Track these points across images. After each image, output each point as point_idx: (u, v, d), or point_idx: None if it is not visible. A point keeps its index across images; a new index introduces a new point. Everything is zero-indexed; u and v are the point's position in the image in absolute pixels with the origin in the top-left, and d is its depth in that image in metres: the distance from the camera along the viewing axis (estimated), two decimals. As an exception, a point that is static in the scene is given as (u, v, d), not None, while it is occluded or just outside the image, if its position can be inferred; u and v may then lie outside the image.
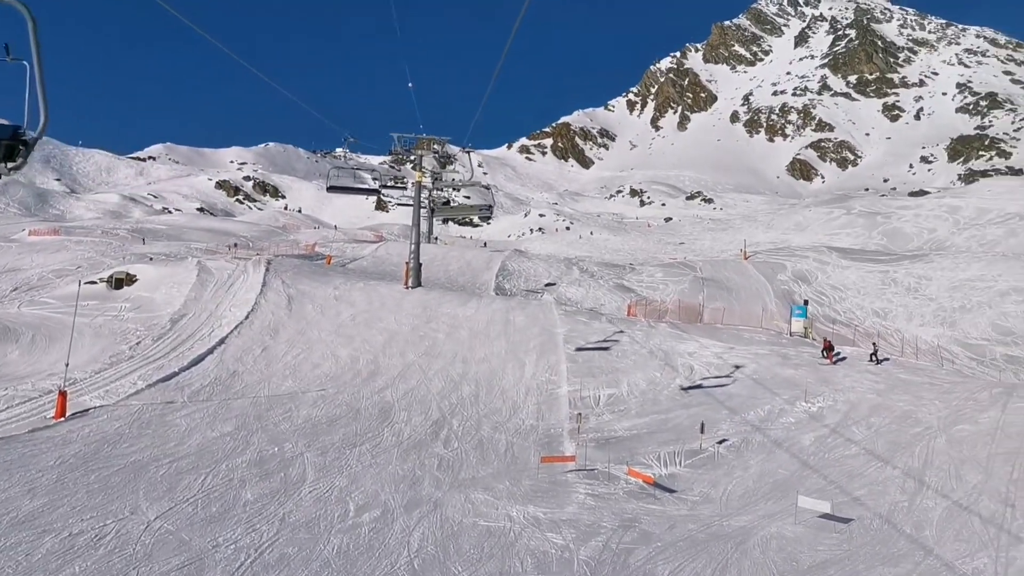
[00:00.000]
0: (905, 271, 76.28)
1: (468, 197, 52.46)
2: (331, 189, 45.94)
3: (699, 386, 31.26)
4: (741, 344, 33.01)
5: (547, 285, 71.42)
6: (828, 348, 32.04)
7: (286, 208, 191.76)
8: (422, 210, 49.51)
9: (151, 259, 56.77)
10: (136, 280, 46.70)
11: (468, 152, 44.09)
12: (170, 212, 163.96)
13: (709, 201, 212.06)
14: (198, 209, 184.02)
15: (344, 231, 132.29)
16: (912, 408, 26.51)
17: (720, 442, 23.70)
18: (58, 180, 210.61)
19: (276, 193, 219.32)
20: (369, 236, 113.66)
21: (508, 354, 33.00)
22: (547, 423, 26.06)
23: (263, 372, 30.66)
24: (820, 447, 23.55)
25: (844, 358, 32.99)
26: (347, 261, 73.02)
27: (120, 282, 46.67)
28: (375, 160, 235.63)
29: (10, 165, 10.86)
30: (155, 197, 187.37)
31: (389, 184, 44.92)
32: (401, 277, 46.11)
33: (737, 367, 30.10)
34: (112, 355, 32.73)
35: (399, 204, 52.59)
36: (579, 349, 32.54)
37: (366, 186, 47.25)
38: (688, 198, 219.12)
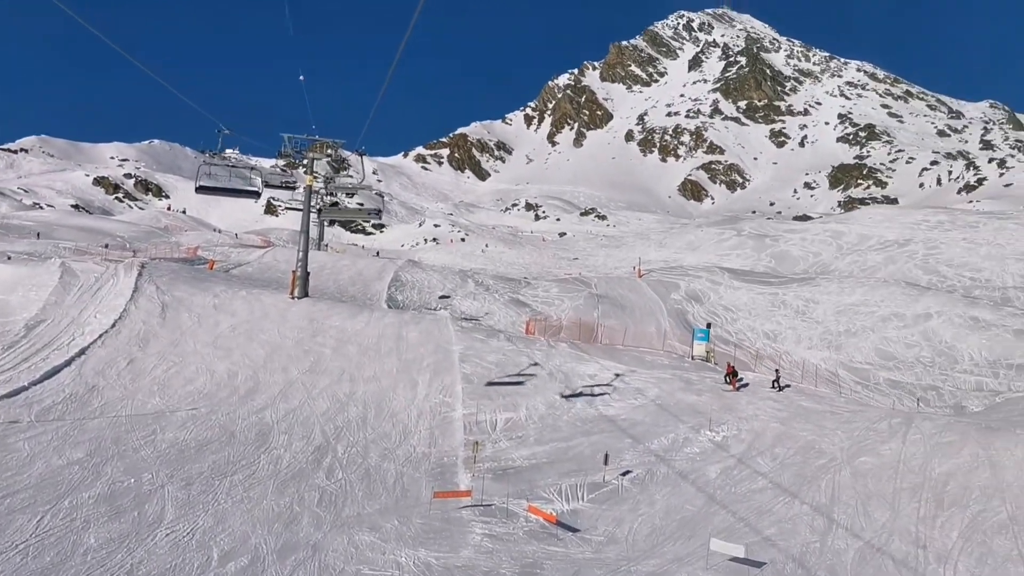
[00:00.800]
0: (794, 294, 77.46)
1: (361, 204, 50.02)
2: (200, 190, 39.91)
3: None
4: (643, 367, 31.91)
5: (441, 298, 69.54)
6: (731, 374, 31.25)
7: (169, 209, 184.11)
8: (313, 215, 46.99)
9: (9, 258, 52.20)
10: (-10, 280, 42.48)
11: (361, 155, 41.79)
12: (41, 208, 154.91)
13: (603, 218, 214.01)
14: (73, 206, 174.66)
15: (230, 235, 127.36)
16: (815, 438, 25.77)
17: (624, 474, 22.32)
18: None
19: (159, 193, 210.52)
20: (256, 241, 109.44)
21: (400, 373, 30.96)
22: (440, 450, 24.18)
23: (127, 388, 27.76)
24: (727, 479, 22.44)
25: (747, 384, 32.29)
26: (231, 267, 69.42)
27: (-29, 282, 42.35)
28: (267, 163, 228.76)
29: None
30: (25, 192, 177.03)
31: (277, 185, 41.85)
32: (287, 286, 43.45)
33: (639, 391, 28.90)
34: (-47, 365, 29.17)
35: (288, 208, 49.51)
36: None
37: (245, 187, 39.74)
38: (582, 214, 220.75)
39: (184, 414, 25.16)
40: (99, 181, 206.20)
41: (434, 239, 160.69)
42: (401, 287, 71.34)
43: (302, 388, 28.94)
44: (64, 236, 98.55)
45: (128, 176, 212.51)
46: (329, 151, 42.43)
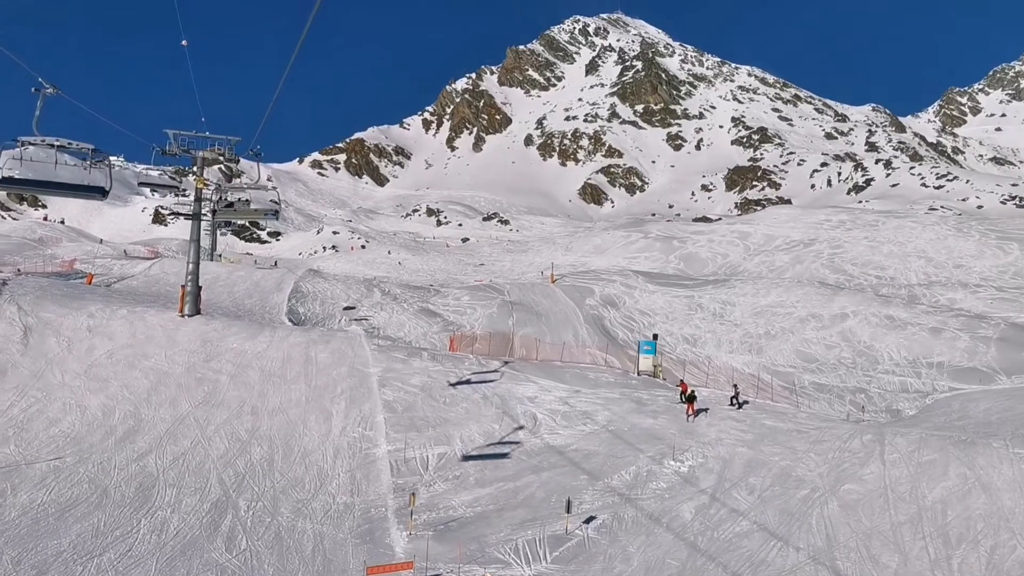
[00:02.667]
0: (710, 296, 75.83)
1: (255, 209, 45.30)
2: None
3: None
4: (587, 386, 28.47)
5: (346, 308, 65.08)
6: (690, 399, 27.78)
7: (46, 219, 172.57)
8: (204, 222, 42.24)
9: None
10: None
11: (257, 154, 37.14)
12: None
13: (505, 222, 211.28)
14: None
15: (113, 246, 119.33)
16: (789, 463, 22.80)
17: (588, 521, 18.79)
18: None
19: (35, 202, 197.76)
20: (143, 252, 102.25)
21: (310, 402, 26.69)
22: (365, 499, 20.17)
23: (-26, 434, 22.74)
24: (705, 521, 19.16)
25: (706, 409, 29.15)
26: (113, 280, 63.31)
27: None
28: (155, 172, 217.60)
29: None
30: None
31: (157, 183, 37.22)
32: (176, 302, 38.47)
33: (587, 415, 25.44)
34: None
35: (176, 213, 44.30)
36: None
37: (80, 182, 26.72)
38: (485, 219, 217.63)
39: (44, 467, 20.41)
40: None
41: (333, 246, 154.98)
42: (303, 299, 66.59)
43: (194, 425, 24.41)
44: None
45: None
46: (221, 153, 37.64)
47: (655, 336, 42.47)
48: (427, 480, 21.06)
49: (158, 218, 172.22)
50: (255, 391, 27.50)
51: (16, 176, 26.41)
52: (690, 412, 23.91)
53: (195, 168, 37.71)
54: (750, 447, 23.91)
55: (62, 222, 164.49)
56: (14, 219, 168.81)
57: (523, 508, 19.41)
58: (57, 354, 30.47)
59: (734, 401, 28.22)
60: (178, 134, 35.96)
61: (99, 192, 26.34)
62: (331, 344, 32.38)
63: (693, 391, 28.12)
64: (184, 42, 34.30)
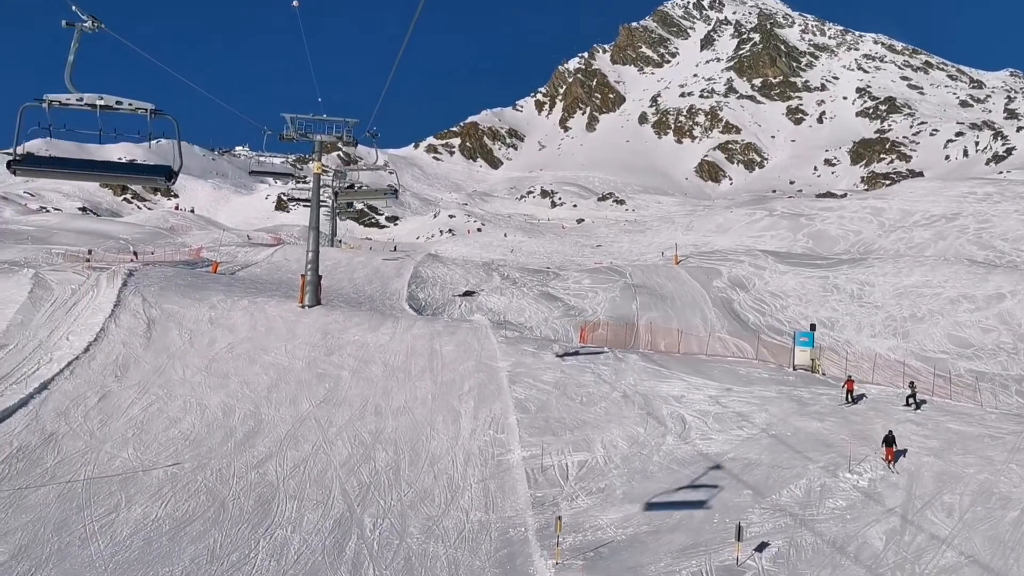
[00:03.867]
0: (845, 276, 71.05)
1: (374, 190, 44.64)
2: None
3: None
4: (739, 383, 25.66)
5: (465, 294, 63.56)
6: (850, 392, 24.64)
7: (177, 208, 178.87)
8: (324, 209, 41.49)
9: (-23, 270, 46.35)
10: (-49, 297, 36.60)
11: (373, 135, 35.61)
12: (48, 211, 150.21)
13: (621, 202, 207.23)
14: (80, 209, 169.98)
15: (238, 233, 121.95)
16: (989, 477, 19.53)
17: (760, 548, 16.17)
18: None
19: (168, 192, 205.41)
20: (266, 239, 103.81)
21: (437, 400, 24.83)
22: (502, 516, 18.09)
23: (94, 435, 21.75)
24: (901, 552, 16.24)
25: (863, 396, 25.95)
26: (237, 268, 63.63)
27: (-69, 300, 36.47)
28: (277, 160, 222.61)
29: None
30: (31, 195, 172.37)
31: (291, 174, 36.85)
32: (297, 290, 37.42)
33: (742, 417, 22.65)
34: None
35: (294, 199, 44.49)
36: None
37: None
38: (600, 199, 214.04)
39: (161, 474, 19.11)
40: (106, 183, 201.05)
41: (450, 230, 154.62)
42: (422, 284, 65.39)
43: (315, 427, 22.86)
44: (65, 241, 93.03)
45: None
46: (339, 137, 36.19)
47: (813, 327, 38.86)
48: (568, 493, 18.83)
49: (281, 205, 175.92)
50: (378, 388, 25.83)
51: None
52: (888, 458, 20.31)
53: (313, 154, 36.46)
54: (938, 456, 20.70)
55: (192, 211, 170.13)
56: (148, 209, 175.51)
57: (682, 531, 16.94)
58: (179, 348, 29.60)
59: (911, 401, 24.93)
60: (295, 118, 34.68)
61: (163, 173, 18.25)
62: (456, 336, 30.54)
63: (854, 387, 24.95)
64: (295, 2, 32.80)
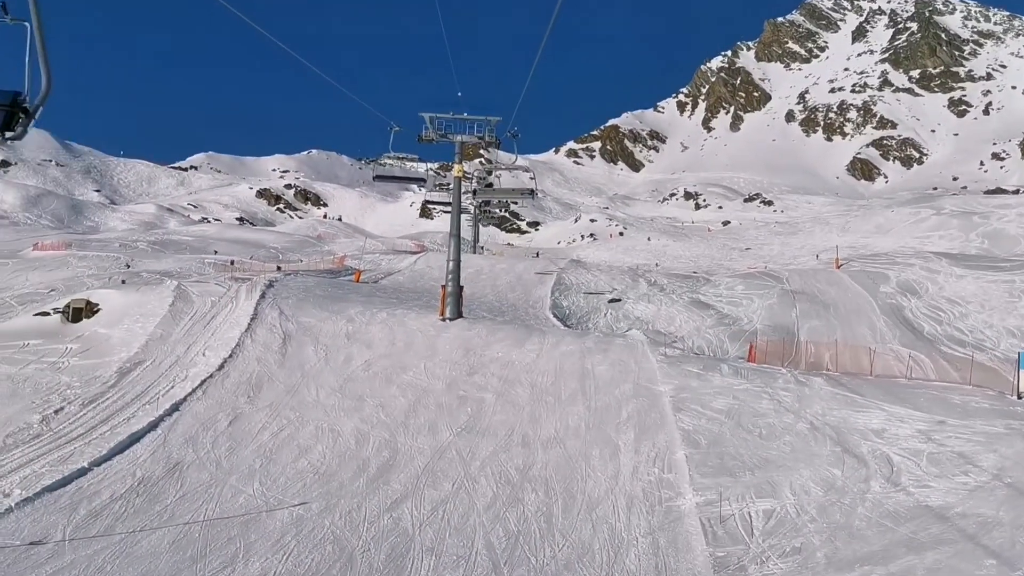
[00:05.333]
0: (1035, 280, 63.88)
1: (513, 189, 43.43)
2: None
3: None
4: (953, 414, 21.49)
5: (611, 301, 60.49)
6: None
7: (325, 216, 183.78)
8: (466, 215, 39.55)
9: (123, 282, 46.58)
10: (98, 310, 36.49)
11: (514, 134, 33.23)
12: (209, 222, 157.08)
13: (768, 203, 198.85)
14: (237, 219, 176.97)
15: (382, 240, 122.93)
16: None
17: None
18: (97, 191, 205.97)
19: (318, 201, 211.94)
20: (409, 246, 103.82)
21: (591, 430, 21.89)
22: (677, 582, 15.00)
23: (220, 465, 19.97)
24: None
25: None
26: (380, 276, 62.81)
27: (78, 313, 36.49)
28: (421, 167, 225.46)
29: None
30: (194, 207, 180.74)
31: (434, 177, 35.65)
32: (439, 300, 35.33)
33: (965, 459, 18.63)
34: (11, 432, 22.31)
35: (433, 204, 43.97)
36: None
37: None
38: (746, 200, 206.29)
39: (286, 516, 16.96)
40: (262, 193, 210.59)
41: (591, 235, 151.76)
42: (566, 291, 62.63)
43: (456, 460, 20.34)
44: (221, 250, 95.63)
45: (288, 187, 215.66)
46: (480, 136, 33.88)
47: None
48: (756, 554, 15.51)
49: (425, 212, 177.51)
50: (525, 414, 23.14)
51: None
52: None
53: (455, 156, 34.27)
54: None
55: (339, 219, 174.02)
56: (300, 218, 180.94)
57: (913, 618, 13.37)
58: (313, 365, 27.84)
59: None
60: (435, 117, 32.59)
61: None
62: (610, 353, 27.53)
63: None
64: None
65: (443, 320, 32.39)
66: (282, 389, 25.62)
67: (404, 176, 40.15)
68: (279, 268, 64.42)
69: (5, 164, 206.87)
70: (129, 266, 71.58)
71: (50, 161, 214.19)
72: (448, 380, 25.81)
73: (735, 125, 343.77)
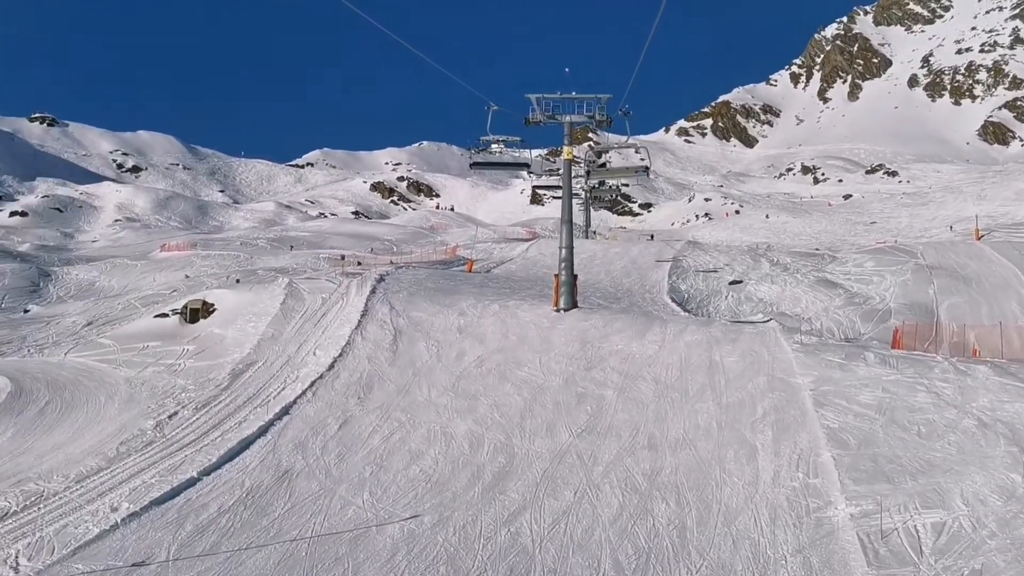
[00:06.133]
0: None
1: (626, 168, 41.41)
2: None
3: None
4: None
5: (732, 283, 57.69)
6: None
7: (438, 207, 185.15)
8: (576, 200, 37.80)
9: (238, 281, 46.82)
10: (214, 310, 36.53)
11: (626, 112, 31.35)
12: (325, 217, 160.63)
13: (893, 174, 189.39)
14: (353, 213, 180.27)
15: (494, 228, 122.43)
16: None
17: None
18: (221, 191, 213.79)
19: (430, 192, 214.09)
20: (521, 233, 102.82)
21: (723, 430, 19.98)
22: (836, 610, 13.09)
23: (329, 473, 19.02)
24: None
25: None
26: (493, 265, 61.83)
27: (195, 313, 36.64)
28: (527, 152, 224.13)
29: None
30: (311, 203, 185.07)
31: (540, 162, 33.90)
32: (552, 288, 33.84)
33: None
34: (125, 439, 22.00)
35: (541, 188, 42.09)
36: None
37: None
38: (868, 172, 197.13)
39: (396, 532, 15.78)
40: (375, 187, 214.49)
41: (706, 214, 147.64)
42: (683, 274, 60.15)
43: (577, 464, 18.81)
44: (335, 244, 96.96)
45: (401, 179, 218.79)
46: (591, 116, 32.09)
47: None
48: (924, 572, 13.45)
49: (535, 198, 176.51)
50: (649, 412, 21.39)
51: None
52: None
53: (564, 139, 32.57)
54: None
55: (451, 208, 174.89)
56: (413, 209, 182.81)
57: None
58: (425, 363, 26.76)
59: None
60: (542, 98, 30.99)
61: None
62: (739, 343, 25.43)
63: None
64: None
65: (557, 311, 30.85)
66: (393, 389, 24.62)
67: (505, 162, 36.73)
68: (391, 261, 64.24)
69: (136, 169, 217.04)
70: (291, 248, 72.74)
71: (177, 165, 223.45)
72: (565, 376, 24.28)
73: (853, 94, 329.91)
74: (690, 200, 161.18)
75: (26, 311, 57.88)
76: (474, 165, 37.94)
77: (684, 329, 26.81)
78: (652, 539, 15.33)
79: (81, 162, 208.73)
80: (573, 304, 31.12)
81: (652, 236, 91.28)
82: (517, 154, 36.79)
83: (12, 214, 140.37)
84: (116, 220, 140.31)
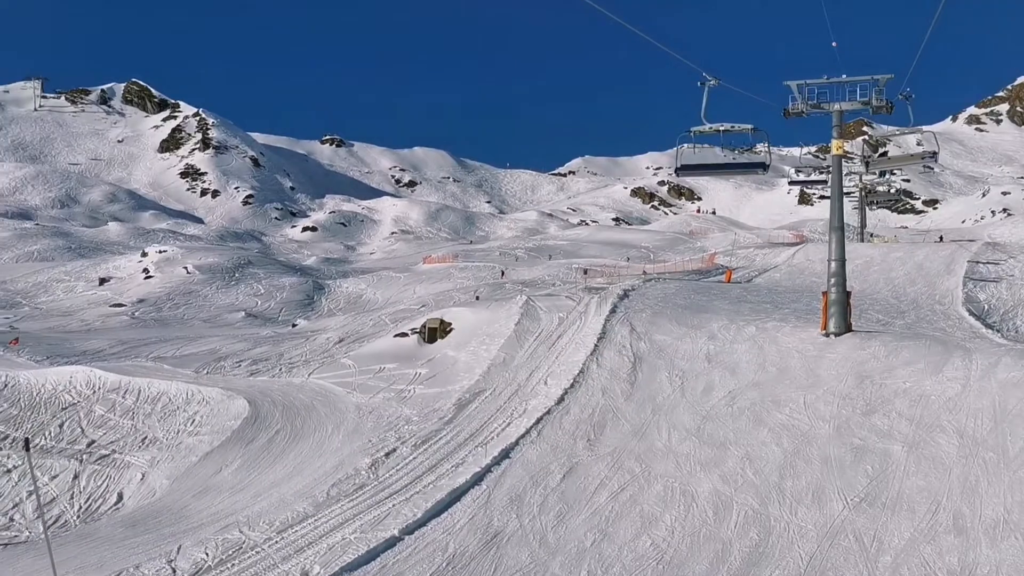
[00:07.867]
0: None
1: (910, 155, 34.89)
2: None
3: None
4: None
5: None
6: None
7: (699, 211, 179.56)
8: (849, 199, 32.69)
9: (477, 297, 45.32)
10: (451, 330, 35.02)
11: (907, 97, 25.96)
12: (586, 224, 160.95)
13: None
14: (613, 219, 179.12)
15: (757, 232, 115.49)
16: None
17: None
18: (488, 202, 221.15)
19: (691, 195, 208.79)
20: (787, 237, 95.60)
21: (1064, 511, 14.82)
22: None
23: (544, 541, 16.03)
24: None
25: None
26: (754, 274, 56.78)
27: (433, 333, 35.32)
28: (795, 152, 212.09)
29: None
30: (573, 211, 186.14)
31: (762, 163, 27.79)
32: (818, 306, 28.96)
33: None
34: (338, 480, 20.35)
35: (795, 184, 37.19)
36: None
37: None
38: None
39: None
40: (636, 192, 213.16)
41: (1004, 209, 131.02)
42: (982, 284, 51.84)
43: (856, 551, 14.48)
44: (590, 253, 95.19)
45: (662, 184, 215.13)
46: (866, 102, 26.95)
47: None
48: None
49: (804, 199, 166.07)
50: (954, 478, 16.47)
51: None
52: None
53: (833, 126, 27.57)
54: None
55: (713, 212, 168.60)
56: (674, 214, 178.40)
57: None
58: (667, 397, 23.17)
59: None
60: (804, 84, 26.30)
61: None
62: (1073, 385, 19.57)
63: None
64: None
65: (826, 335, 25.98)
66: (628, 430, 21.27)
67: (725, 163, 28.53)
68: (644, 271, 60.88)
69: (412, 184, 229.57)
70: (504, 274, 72.53)
71: (448, 178, 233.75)
72: (837, 422, 19.69)
73: None
74: (984, 194, 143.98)
75: (294, 325, 60.48)
76: (681, 171, 28.76)
77: (997, 362, 21.14)
78: None
79: (364, 179, 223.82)
80: (846, 328, 26.06)
81: (941, 237, 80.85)
82: (785, 153, 31.50)
83: (304, 229, 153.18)
84: (392, 232, 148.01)
